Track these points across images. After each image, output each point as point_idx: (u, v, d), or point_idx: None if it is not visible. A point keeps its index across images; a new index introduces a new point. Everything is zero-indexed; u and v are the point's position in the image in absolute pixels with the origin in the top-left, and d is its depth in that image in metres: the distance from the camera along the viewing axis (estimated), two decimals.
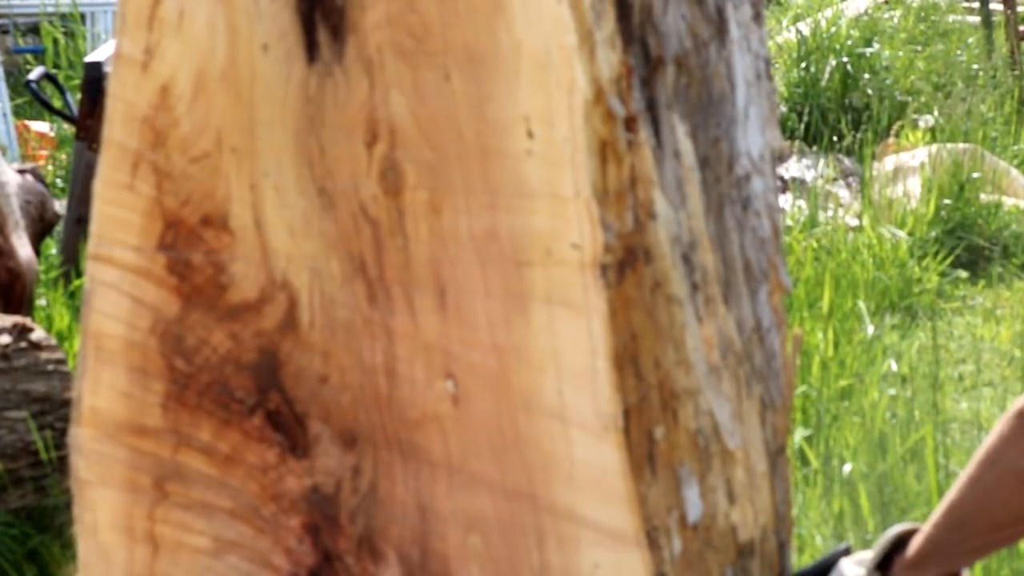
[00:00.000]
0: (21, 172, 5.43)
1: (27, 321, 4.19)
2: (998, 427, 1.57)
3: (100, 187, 1.78)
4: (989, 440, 1.58)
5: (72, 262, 5.86)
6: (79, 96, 6.13)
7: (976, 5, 11.49)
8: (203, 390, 1.77)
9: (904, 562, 1.66)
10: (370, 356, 1.67)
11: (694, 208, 1.65)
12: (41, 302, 5.44)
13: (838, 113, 8.86)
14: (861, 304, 5.45)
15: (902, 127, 8.41)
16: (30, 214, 5.29)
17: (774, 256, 1.81)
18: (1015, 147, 8.54)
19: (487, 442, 1.62)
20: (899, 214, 7.03)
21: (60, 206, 6.00)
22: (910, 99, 9.13)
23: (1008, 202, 7.34)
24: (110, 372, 1.81)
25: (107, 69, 5.69)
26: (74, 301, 5.50)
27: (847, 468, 3.74)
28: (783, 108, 8.95)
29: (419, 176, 1.61)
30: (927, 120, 8.59)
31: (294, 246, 1.70)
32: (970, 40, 10.48)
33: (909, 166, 7.53)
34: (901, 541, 1.68)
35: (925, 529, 1.65)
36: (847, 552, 1.71)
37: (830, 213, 7.06)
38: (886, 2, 10.91)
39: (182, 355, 1.77)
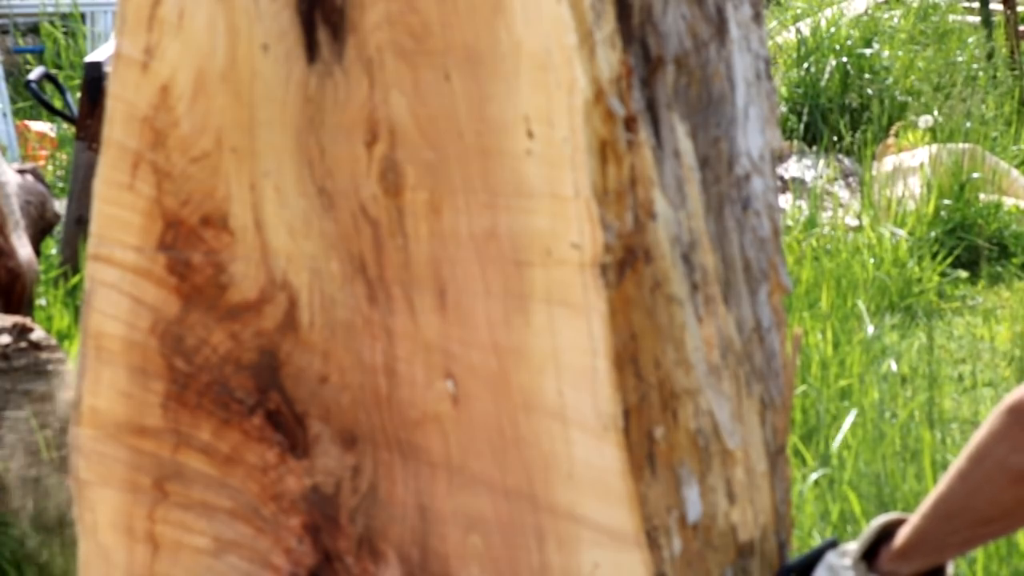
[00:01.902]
0: (21, 172, 5.42)
1: (27, 321, 4.18)
2: (988, 422, 1.57)
3: (100, 187, 1.78)
4: (979, 434, 1.58)
5: (72, 262, 5.86)
6: (79, 96, 6.13)
7: (976, 5, 11.48)
8: (203, 390, 1.77)
9: (891, 553, 1.67)
10: (370, 356, 1.67)
11: (694, 208, 1.65)
12: (41, 302, 5.44)
13: (838, 113, 8.86)
14: (861, 304, 5.45)
15: (902, 127, 8.41)
16: (30, 214, 5.28)
17: (774, 256, 1.81)
18: (1015, 147, 8.53)
19: (487, 442, 1.62)
20: (899, 214, 7.02)
21: (60, 206, 6.00)
22: (910, 99, 9.12)
23: (1008, 202, 7.33)
24: (110, 372, 1.81)
25: (107, 69, 5.69)
26: (74, 301, 5.50)
27: (846, 468, 3.74)
28: (783, 108, 8.94)
29: (419, 176, 1.61)
30: (927, 120, 8.58)
31: (294, 246, 1.70)
32: (970, 40, 10.47)
33: (909, 166, 7.53)
34: (887, 532, 1.69)
35: (913, 520, 1.65)
36: (835, 545, 1.72)
37: (830, 213, 7.05)
38: (886, 2, 10.91)
39: (182, 355, 1.77)
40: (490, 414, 1.61)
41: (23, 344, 4.09)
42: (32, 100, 8.64)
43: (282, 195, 1.69)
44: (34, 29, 11.25)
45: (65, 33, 10.43)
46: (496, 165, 1.56)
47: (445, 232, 1.60)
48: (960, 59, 9.99)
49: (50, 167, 8.17)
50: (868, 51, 9.26)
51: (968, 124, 8.34)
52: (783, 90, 9.07)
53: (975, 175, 7.35)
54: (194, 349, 1.77)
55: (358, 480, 1.71)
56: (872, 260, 6.28)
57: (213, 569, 1.80)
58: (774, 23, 10.72)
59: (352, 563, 1.73)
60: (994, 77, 9.73)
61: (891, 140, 8.24)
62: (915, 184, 7.39)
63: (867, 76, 9.12)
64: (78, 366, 1.82)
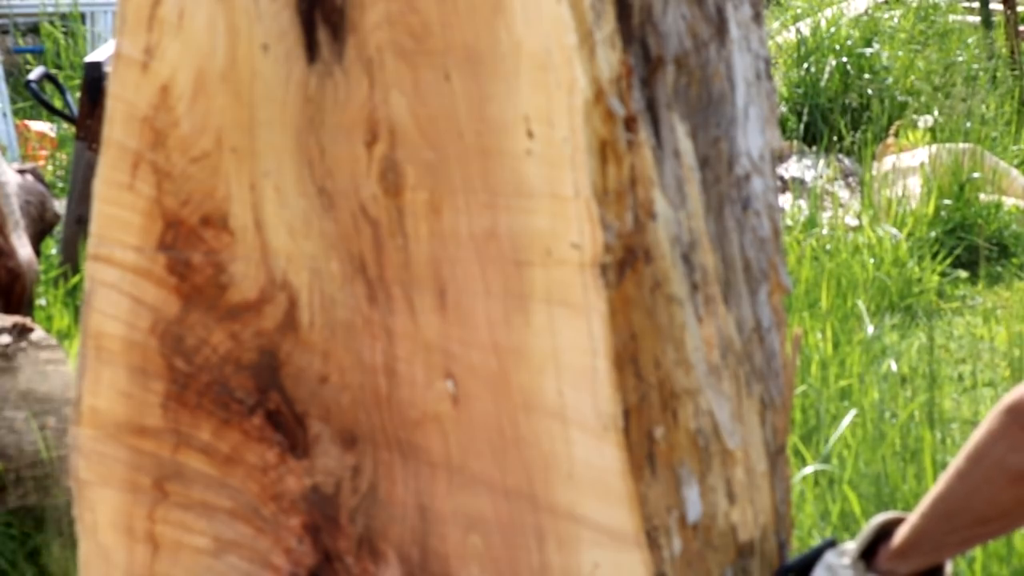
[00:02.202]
0: (21, 172, 5.42)
1: (27, 321, 4.18)
2: (986, 422, 1.58)
3: (100, 187, 1.78)
4: (977, 434, 1.58)
5: (72, 262, 5.86)
6: (79, 96, 6.13)
7: (976, 5, 11.49)
8: (203, 390, 1.77)
9: (889, 552, 1.67)
10: (370, 356, 1.67)
11: (694, 208, 1.65)
12: (41, 302, 5.44)
13: (838, 113, 8.86)
14: (861, 304, 5.45)
15: (902, 127, 8.41)
16: (30, 214, 5.28)
17: (774, 256, 1.81)
18: (1015, 147, 8.53)
19: (487, 442, 1.62)
20: (899, 214, 7.03)
21: (60, 206, 6.00)
22: (910, 99, 9.12)
23: (1008, 202, 7.33)
24: (110, 372, 1.81)
25: (107, 69, 5.68)
26: (74, 301, 5.50)
27: (846, 468, 3.74)
28: (783, 108, 8.95)
29: (419, 176, 1.61)
30: (927, 120, 8.59)
31: (294, 246, 1.70)
32: (970, 40, 10.48)
33: (909, 166, 7.53)
34: (886, 531, 1.69)
35: (912, 520, 1.65)
36: (833, 544, 1.72)
37: (830, 213, 7.06)
38: (886, 2, 10.91)
39: (182, 355, 1.77)
40: (490, 414, 1.61)
41: (23, 344, 4.08)
42: (32, 100, 8.64)
43: (282, 195, 1.69)
44: (34, 29, 11.24)
45: (65, 33, 10.43)
46: (496, 165, 1.56)
47: (445, 232, 1.60)
48: (960, 59, 9.99)
49: (50, 167, 8.17)
50: (868, 51, 9.27)
51: (968, 124, 8.34)
52: (783, 90, 9.07)
53: (975, 175, 7.35)
54: (194, 349, 1.77)
55: (358, 480, 1.71)
56: (872, 260, 6.28)
57: (213, 569, 1.80)
58: (775, 23, 10.72)
59: (352, 563, 1.73)
60: (994, 77, 9.73)
61: (891, 140, 8.24)
62: (915, 184, 7.40)
63: (867, 76, 9.13)
64: (78, 366, 1.82)
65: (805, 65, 9.19)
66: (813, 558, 1.73)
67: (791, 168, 8.09)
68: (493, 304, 1.59)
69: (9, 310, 4.62)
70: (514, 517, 1.62)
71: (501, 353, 1.59)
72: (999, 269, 6.91)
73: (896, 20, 10.37)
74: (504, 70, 1.54)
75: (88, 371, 1.82)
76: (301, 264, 1.70)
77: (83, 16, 10.63)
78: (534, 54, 1.52)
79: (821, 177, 7.82)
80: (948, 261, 6.64)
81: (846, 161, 8.29)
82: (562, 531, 1.59)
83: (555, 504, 1.59)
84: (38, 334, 4.14)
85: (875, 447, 3.90)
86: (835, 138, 8.73)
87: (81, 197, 5.82)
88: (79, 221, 5.83)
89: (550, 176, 1.53)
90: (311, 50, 1.65)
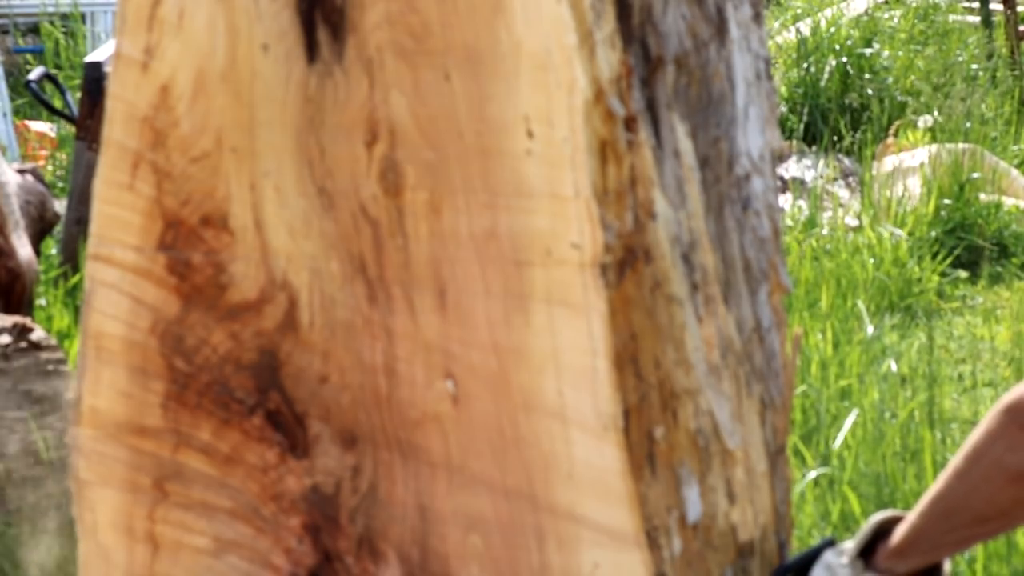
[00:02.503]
0: (21, 172, 5.42)
1: (27, 321, 4.18)
2: (985, 421, 1.58)
3: (100, 187, 1.78)
4: (976, 434, 1.58)
5: (72, 262, 5.86)
6: (79, 96, 6.13)
7: (976, 5, 11.49)
8: (203, 390, 1.77)
9: (888, 550, 1.67)
10: (370, 356, 1.68)
11: (694, 208, 1.65)
12: (41, 302, 5.44)
13: (838, 113, 8.86)
14: (861, 304, 5.45)
15: (902, 127, 8.41)
16: (30, 214, 5.28)
17: (774, 256, 1.81)
18: (1015, 147, 8.53)
19: (487, 442, 1.62)
20: (899, 214, 7.03)
21: (60, 206, 6.00)
22: (910, 99, 9.12)
23: (1008, 202, 7.33)
24: (110, 372, 1.81)
25: (107, 69, 5.68)
26: (74, 301, 5.51)
27: (846, 468, 3.74)
28: (783, 108, 8.94)
29: (419, 176, 1.61)
30: (927, 120, 8.58)
31: (294, 246, 1.70)
32: (970, 40, 10.47)
33: (909, 166, 7.53)
34: (884, 529, 1.69)
35: (910, 518, 1.65)
36: (832, 544, 1.72)
37: (830, 213, 7.06)
38: (886, 2, 10.91)
39: (182, 355, 1.77)
40: (490, 414, 1.61)
41: (23, 344, 4.08)
42: (32, 100, 8.64)
43: (282, 195, 1.69)
44: (34, 29, 11.25)
45: (65, 33, 10.43)
46: (496, 165, 1.56)
47: (445, 232, 1.60)
48: (960, 59, 9.99)
49: (50, 167, 8.17)
50: (868, 51, 9.27)
51: (968, 124, 8.34)
52: (783, 90, 9.07)
53: (975, 175, 7.35)
54: (194, 349, 1.77)
55: (358, 480, 1.71)
56: (872, 260, 6.28)
57: (213, 569, 1.80)
58: (775, 23, 10.72)
59: (352, 563, 1.73)
60: (994, 77, 9.73)
61: (891, 140, 8.24)
62: (915, 184, 7.39)
63: (867, 76, 9.13)
64: (78, 366, 1.82)
65: (805, 65, 9.19)
66: (812, 557, 1.73)
67: (791, 168, 8.09)
68: (493, 304, 1.59)
69: (9, 310, 4.62)
70: (514, 517, 1.62)
71: (501, 353, 1.59)
72: (999, 269, 6.91)
73: (896, 20, 10.37)
74: (504, 70, 1.54)
75: (88, 371, 1.82)
76: (301, 264, 1.70)
77: (83, 16, 10.63)
78: (534, 54, 1.52)
79: (821, 177, 7.82)
80: (948, 261, 6.64)
81: (846, 161, 8.29)
82: (562, 531, 1.60)
83: (555, 504, 1.59)
84: (38, 334, 4.14)
85: (875, 447, 3.90)
86: (835, 138, 8.73)
87: (81, 197, 5.83)
88: (79, 221, 5.82)
89: (550, 176, 1.53)
90: (311, 50, 1.65)
